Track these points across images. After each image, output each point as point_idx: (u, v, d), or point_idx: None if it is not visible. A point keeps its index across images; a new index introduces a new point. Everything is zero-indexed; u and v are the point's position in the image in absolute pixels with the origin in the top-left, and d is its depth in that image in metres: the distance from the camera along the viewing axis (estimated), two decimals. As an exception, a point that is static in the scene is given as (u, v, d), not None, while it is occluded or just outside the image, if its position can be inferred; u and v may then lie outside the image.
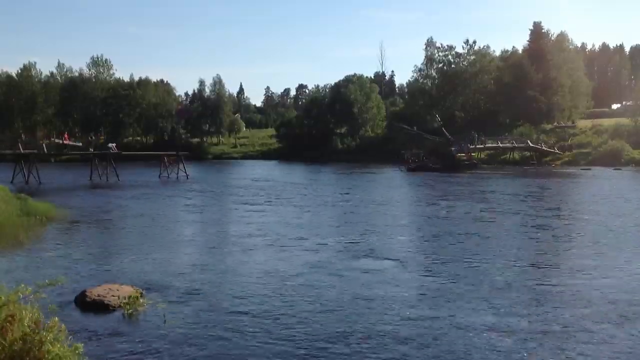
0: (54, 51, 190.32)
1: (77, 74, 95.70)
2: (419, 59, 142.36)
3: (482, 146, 59.93)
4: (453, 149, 56.30)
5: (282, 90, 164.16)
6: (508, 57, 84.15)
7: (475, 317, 10.31)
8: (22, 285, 4.39)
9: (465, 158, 57.83)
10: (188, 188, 39.22)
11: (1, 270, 14.27)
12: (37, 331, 4.09)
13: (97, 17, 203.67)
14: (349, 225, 21.73)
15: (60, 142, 53.73)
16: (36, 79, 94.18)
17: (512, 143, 63.62)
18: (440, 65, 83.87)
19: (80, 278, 13.39)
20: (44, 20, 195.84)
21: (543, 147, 62.93)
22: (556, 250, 16.76)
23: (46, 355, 3.96)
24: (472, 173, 49.94)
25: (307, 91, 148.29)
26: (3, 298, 4.18)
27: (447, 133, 59.20)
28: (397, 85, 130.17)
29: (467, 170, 53.27)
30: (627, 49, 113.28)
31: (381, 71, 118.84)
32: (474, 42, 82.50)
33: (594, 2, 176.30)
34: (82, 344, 4.31)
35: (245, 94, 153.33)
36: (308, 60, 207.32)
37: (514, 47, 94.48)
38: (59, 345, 4.07)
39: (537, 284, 12.61)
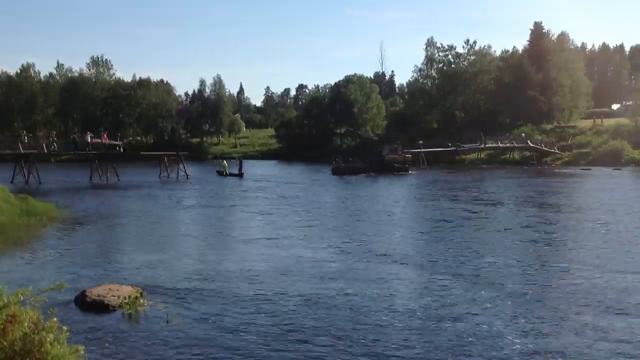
0: (54, 51, 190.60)
1: (76, 74, 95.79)
2: (419, 59, 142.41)
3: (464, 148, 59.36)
4: (385, 151, 52.97)
5: (282, 90, 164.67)
6: (508, 57, 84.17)
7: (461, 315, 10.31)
8: (23, 288, 4.39)
9: (397, 160, 52.28)
10: (188, 188, 39.23)
11: (2, 270, 14.28)
12: (37, 332, 4.08)
13: (97, 17, 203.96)
14: (347, 226, 21.73)
15: (100, 141, 51.79)
16: (35, 80, 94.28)
17: (512, 143, 63.72)
18: (440, 65, 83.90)
19: (80, 278, 13.38)
20: (43, 20, 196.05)
21: (543, 147, 62.99)
22: (543, 249, 16.75)
23: (46, 357, 3.96)
24: (401, 175, 47.58)
25: (307, 91, 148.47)
26: (5, 299, 4.18)
27: (372, 135, 57.11)
28: (397, 85, 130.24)
29: (397, 172, 49.11)
30: (627, 49, 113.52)
31: (381, 71, 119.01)
32: (474, 42, 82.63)
33: (594, 2, 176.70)
34: (83, 346, 4.30)
35: (245, 94, 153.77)
36: (308, 60, 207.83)
37: (514, 47, 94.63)
38: (59, 347, 4.07)
39: (531, 283, 12.62)
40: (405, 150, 54.38)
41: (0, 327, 4.17)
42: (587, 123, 71.80)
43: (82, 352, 4.21)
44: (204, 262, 15.37)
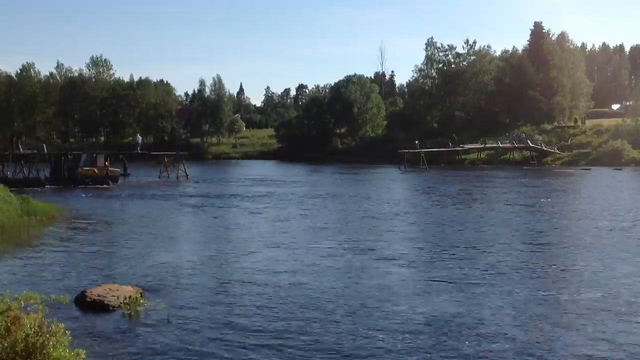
0: (54, 51, 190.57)
1: (76, 74, 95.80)
2: (419, 59, 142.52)
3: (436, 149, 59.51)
4: (81, 162, 42.38)
5: (282, 90, 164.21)
6: (508, 57, 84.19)
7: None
8: (25, 294, 4.38)
9: (95, 173, 41.44)
10: (188, 188, 39.21)
11: (2, 270, 14.28)
12: (40, 334, 4.08)
13: (97, 17, 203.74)
14: (341, 227, 21.74)
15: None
16: (35, 80, 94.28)
17: (512, 143, 63.79)
18: (440, 65, 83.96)
19: (80, 278, 13.39)
20: (43, 20, 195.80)
21: (543, 147, 63.03)
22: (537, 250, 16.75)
23: (47, 359, 3.95)
24: (99, 189, 38.16)
25: (307, 91, 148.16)
26: (8, 303, 4.18)
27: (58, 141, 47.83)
28: (397, 85, 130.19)
29: (92, 185, 39.61)
30: (627, 49, 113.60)
31: (381, 71, 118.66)
32: (474, 42, 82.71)
33: (594, 2, 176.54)
34: (85, 350, 4.29)
35: (245, 94, 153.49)
36: (308, 60, 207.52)
37: (514, 47, 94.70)
38: (61, 350, 4.07)
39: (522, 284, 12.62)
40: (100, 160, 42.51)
41: (2, 326, 4.17)
42: (587, 123, 71.76)
43: (83, 356, 4.20)
44: (204, 262, 15.36)
